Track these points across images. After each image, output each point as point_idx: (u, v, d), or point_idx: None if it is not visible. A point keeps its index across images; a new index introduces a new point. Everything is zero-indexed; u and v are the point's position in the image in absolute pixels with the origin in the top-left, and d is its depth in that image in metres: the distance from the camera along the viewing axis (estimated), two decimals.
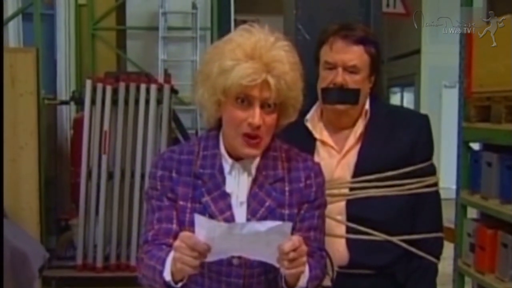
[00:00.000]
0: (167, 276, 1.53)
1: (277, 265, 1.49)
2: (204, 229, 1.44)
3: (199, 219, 1.46)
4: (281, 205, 1.63)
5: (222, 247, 1.46)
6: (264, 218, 1.60)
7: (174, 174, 1.65)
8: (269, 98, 1.55)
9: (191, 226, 1.56)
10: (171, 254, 1.52)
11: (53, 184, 6.21)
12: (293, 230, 1.57)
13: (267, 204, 1.62)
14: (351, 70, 1.95)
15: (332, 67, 1.97)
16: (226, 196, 1.63)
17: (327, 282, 1.83)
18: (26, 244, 4.57)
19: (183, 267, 1.46)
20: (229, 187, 1.63)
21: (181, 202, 1.64)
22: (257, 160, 1.66)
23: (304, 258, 1.49)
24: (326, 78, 1.98)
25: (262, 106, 1.57)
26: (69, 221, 5.87)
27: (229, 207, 1.62)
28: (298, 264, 1.47)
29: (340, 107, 1.98)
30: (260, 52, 1.54)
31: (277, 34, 1.61)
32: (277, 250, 1.45)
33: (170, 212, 1.64)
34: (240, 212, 1.62)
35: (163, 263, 1.54)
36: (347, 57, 1.95)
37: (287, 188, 1.65)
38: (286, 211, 1.64)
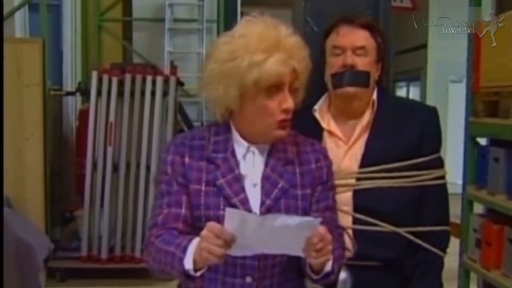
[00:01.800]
0: (188, 264, 1.53)
1: (302, 255, 1.52)
2: (235, 221, 1.45)
3: (231, 212, 1.47)
4: (294, 185, 1.69)
5: (249, 241, 1.47)
6: (278, 198, 1.65)
7: (187, 159, 1.69)
8: (295, 82, 1.65)
9: (207, 209, 1.63)
10: (194, 242, 1.53)
11: (58, 175, 6.20)
12: (310, 211, 1.67)
13: (280, 185, 1.67)
14: (360, 52, 1.97)
15: (341, 51, 1.98)
16: (240, 178, 1.67)
17: (348, 254, 1.87)
18: (31, 235, 4.57)
19: (208, 256, 1.47)
20: (243, 169, 1.68)
21: (195, 186, 1.66)
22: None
23: (330, 246, 1.53)
24: (335, 64, 1.99)
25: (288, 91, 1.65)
26: (74, 213, 5.88)
27: (243, 189, 1.66)
28: (325, 252, 1.51)
29: (351, 89, 1.98)
30: (282, 41, 1.62)
31: (275, 20, 1.67)
32: (303, 243, 1.48)
33: (179, 197, 1.67)
34: (254, 194, 1.66)
35: (184, 250, 1.55)
36: (354, 39, 1.98)
37: (297, 170, 1.71)
38: (299, 192, 1.69)
